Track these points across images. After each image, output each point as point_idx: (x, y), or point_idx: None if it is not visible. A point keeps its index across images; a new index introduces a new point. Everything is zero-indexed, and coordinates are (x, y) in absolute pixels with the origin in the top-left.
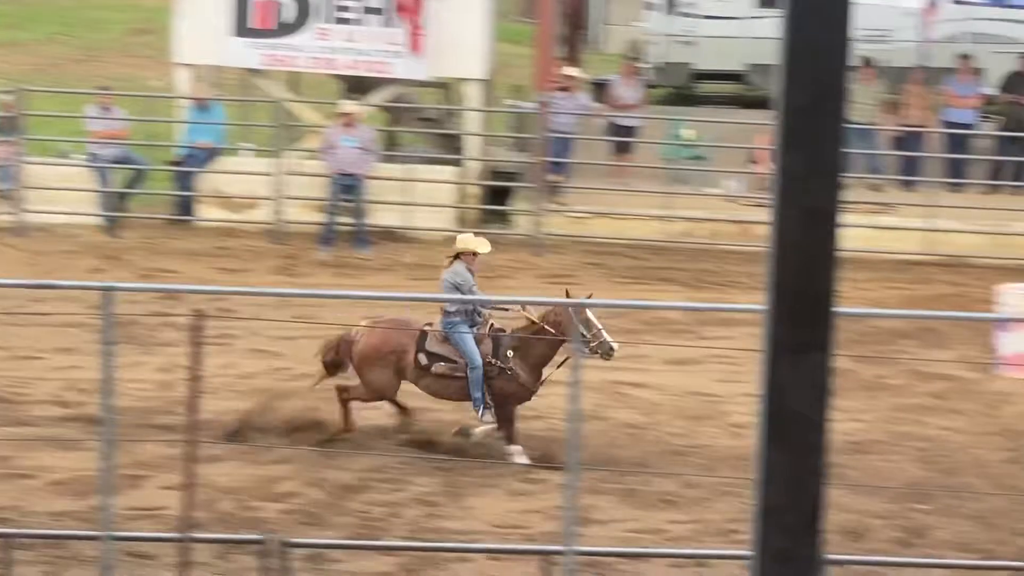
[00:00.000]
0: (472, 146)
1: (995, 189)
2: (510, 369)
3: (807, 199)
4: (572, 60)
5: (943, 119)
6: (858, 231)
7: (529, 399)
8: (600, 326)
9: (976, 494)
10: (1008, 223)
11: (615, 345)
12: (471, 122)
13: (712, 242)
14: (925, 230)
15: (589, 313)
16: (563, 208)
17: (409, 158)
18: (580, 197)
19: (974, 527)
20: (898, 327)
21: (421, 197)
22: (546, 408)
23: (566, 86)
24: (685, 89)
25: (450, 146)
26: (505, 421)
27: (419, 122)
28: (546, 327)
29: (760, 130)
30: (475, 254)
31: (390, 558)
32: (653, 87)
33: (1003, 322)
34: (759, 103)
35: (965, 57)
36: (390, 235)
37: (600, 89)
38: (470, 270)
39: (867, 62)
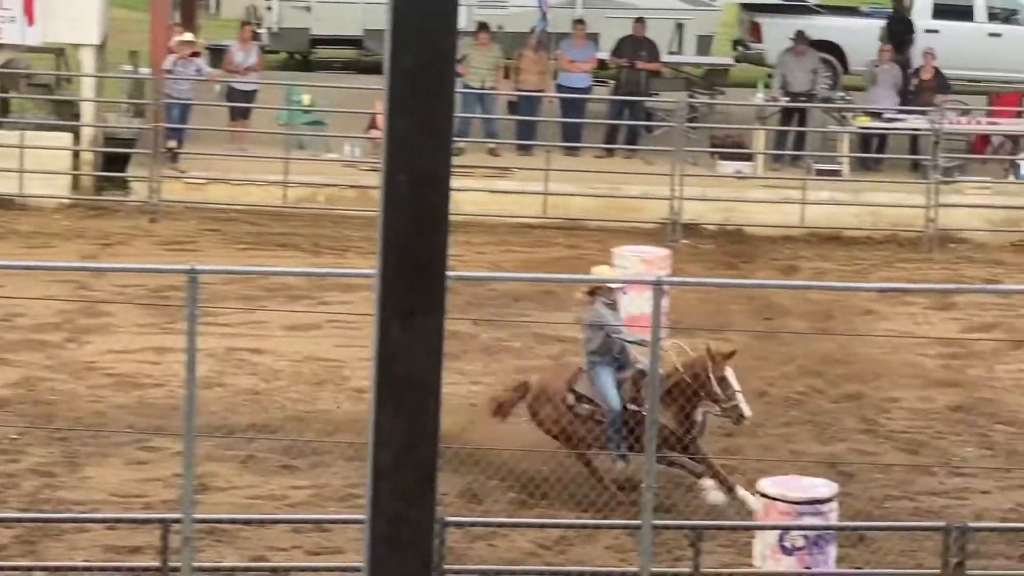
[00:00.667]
0: (87, 112)
1: (610, 153)
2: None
3: (417, 163)
4: (188, 26)
5: (558, 83)
6: (475, 195)
7: (684, 444)
8: (738, 389)
9: (594, 455)
10: (622, 186)
11: (747, 413)
12: (86, 88)
13: (331, 207)
14: (542, 193)
15: (728, 373)
16: (181, 174)
17: (22, 124)
18: (198, 163)
19: (593, 487)
20: (517, 290)
21: (35, 164)
22: (163, 375)
23: (182, 52)
24: (302, 54)
25: (65, 112)
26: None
27: (32, 88)
28: (685, 377)
29: (378, 95)
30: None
31: (7, 530)
32: (270, 52)
33: (620, 284)
34: (377, 68)
35: (579, 22)
36: (4, 203)
37: (217, 55)
38: (609, 304)
39: (482, 27)
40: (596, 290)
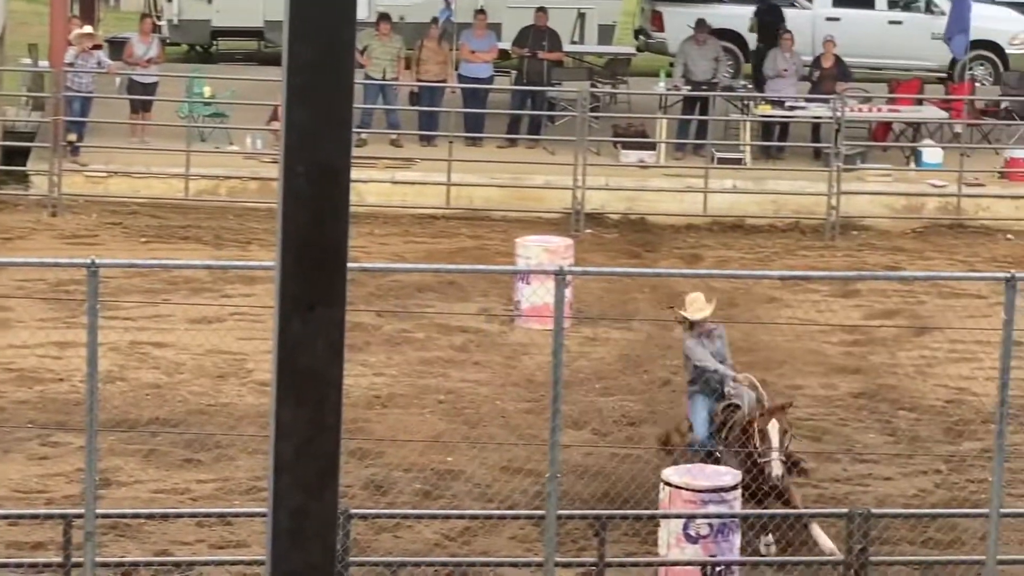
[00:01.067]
0: None
1: (512, 143)
2: (718, 451)
3: (316, 155)
4: (88, 18)
5: (460, 74)
6: (378, 186)
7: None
8: (775, 447)
9: (498, 444)
10: (526, 176)
11: (775, 472)
12: None
13: (233, 199)
14: (445, 184)
15: (771, 427)
16: (82, 168)
17: None
18: (99, 156)
19: (496, 477)
20: (420, 281)
21: None
22: (64, 370)
23: (83, 45)
24: (203, 46)
25: None
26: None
27: None
28: (751, 421)
29: (279, 87)
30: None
31: None
32: (171, 44)
33: (522, 274)
34: (278, 60)
35: (481, 12)
36: None
37: (117, 47)
38: (705, 334)
39: (383, 17)
40: (694, 324)
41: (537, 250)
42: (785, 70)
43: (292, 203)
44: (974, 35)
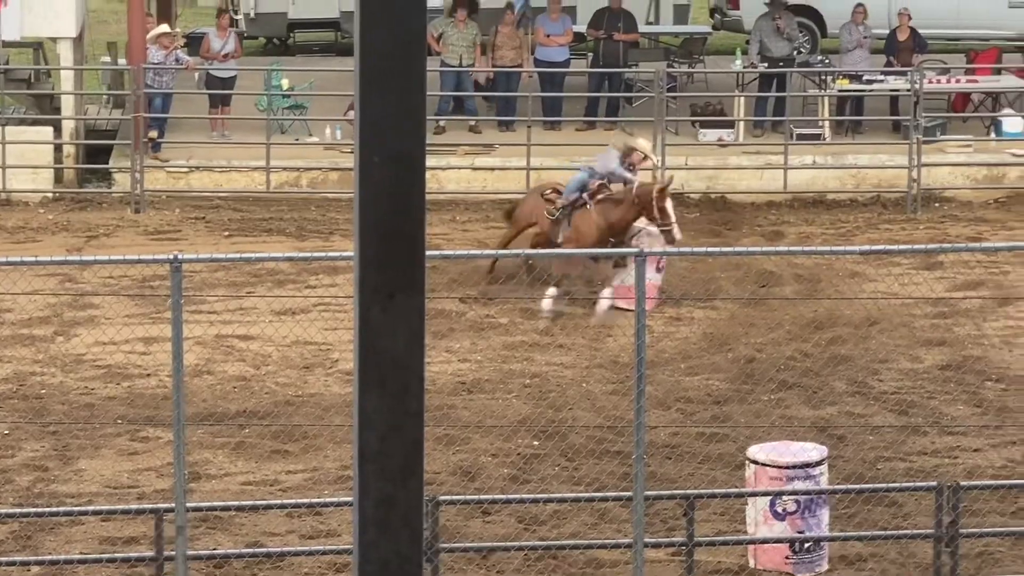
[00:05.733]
0: (67, 105)
1: (591, 125)
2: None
3: (391, 144)
4: (165, 15)
5: (536, 58)
6: (458, 173)
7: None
8: (674, 218)
9: (584, 428)
10: None
11: (679, 238)
12: (65, 81)
13: (314, 191)
14: (524, 168)
15: (669, 205)
16: (163, 164)
17: (2, 120)
18: (180, 152)
19: (584, 460)
20: (503, 266)
21: (17, 159)
22: (152, 365)
23: (168, 44)
24: (281, 39)
25: (45, 106)
26: None
27: (11, 83)
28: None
29: None
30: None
31: (2, 526)
32: (248, 38)
33: (605, 256)
34: None
35: None
36: None
37: (195, 42)
38: (628, 168)
39: (460, 3)
40: (632, 151)
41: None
42: (862, 41)
43: (369, 193)
44: None
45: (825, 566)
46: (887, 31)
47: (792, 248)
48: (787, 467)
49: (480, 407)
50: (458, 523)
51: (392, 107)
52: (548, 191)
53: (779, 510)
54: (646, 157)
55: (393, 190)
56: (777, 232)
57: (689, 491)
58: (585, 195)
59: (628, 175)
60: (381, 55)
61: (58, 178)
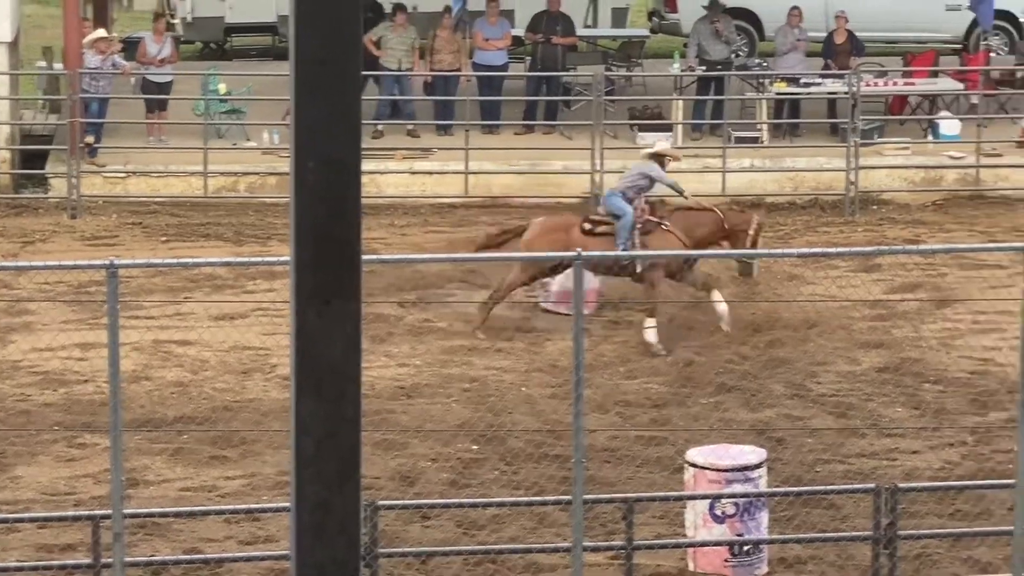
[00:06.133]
0: (2, 110)
1: (529, 129)
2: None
3: (326, 149)
4: (101, 19)
5: (474, 62)
6: (396, 177)
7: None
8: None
9: (524, 432)
10: (543, 162)
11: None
12: (0, 86)
13: (252, 195)
14: (463, 173)
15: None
16: (100, 169)
17: None
18: (117, 157)
19: (523, 464)
20: (443, 270)
21: None
22: (89, 371)
23: (105, 49)
24: (218, 43)
25: None
26: None
27: None
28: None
29: None
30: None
31: None
32: (185, 43)
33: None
34: None
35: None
36: None
37: (132, 47)
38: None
39: (398, 8)
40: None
41: None
42: (797, 43)
43: (304, 198)
44: None
45: (764, 569)
46: (824, 34)
47: (730, 251)
48: (726, 470)
49: (419, 412)
50: (397, 528)
51: (327, 112)
52: (580, 225)
53: (718, 513)
54: (676, 159)
55: (328, 195)
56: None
57: (628, 495)
58: (643, 215)
59: (678, 184)
60: (316, 60)
61: None
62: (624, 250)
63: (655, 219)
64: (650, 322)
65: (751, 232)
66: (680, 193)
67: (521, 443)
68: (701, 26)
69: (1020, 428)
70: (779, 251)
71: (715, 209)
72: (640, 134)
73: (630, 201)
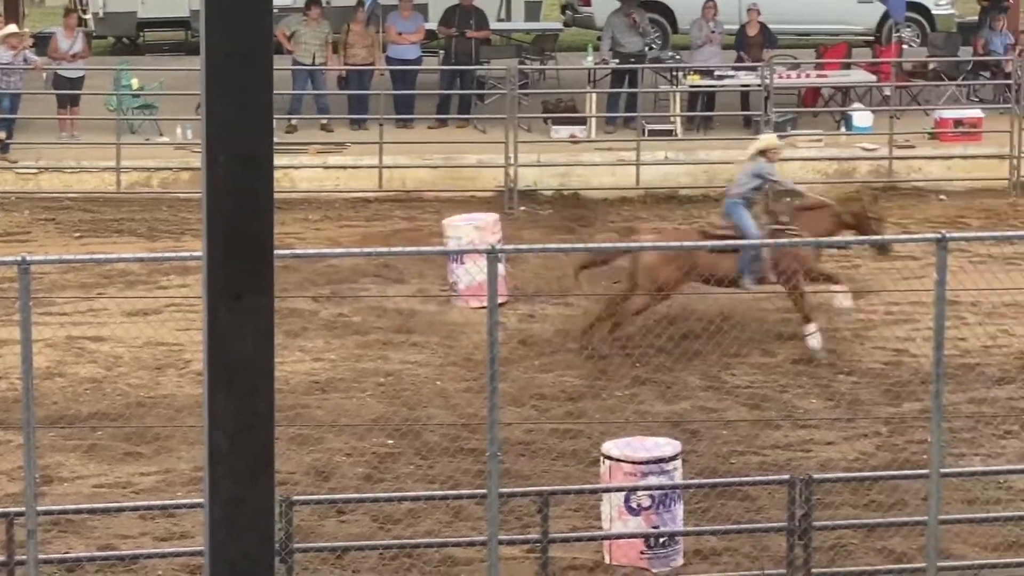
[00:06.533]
0: None
1: (443, 123)
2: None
3: (237, 144)
4: (13, 15)
5: (388, 56)
6: (310, 171)
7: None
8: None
9: (439, 426)
10: (457, 156)
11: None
12: None
13: (165, 191)
14: (377, 167)
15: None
16: (11, 165)
17: None
18: (28, 153)
19: (438, 458)
20: (357, 265)
21: None
22: (2, 368)
23: (17, 44)
24: (130, 38)
25: None
26: None
27: None
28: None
29: None
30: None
31: None
32: (97, 38)
33: (455, 254)
34: None
35: None
36: None
37: (43, 42)
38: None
39: (313, 2)
40: (770, 151)
41: (467, 229)
42: (712, 36)
43: (215, 193)
44: None
45: (680, 560)
46: (737, 26)
47: (644, 244)
48: (641, 462)
49: (334, 406)
50: (312, 523)
51: (238, 107)
52: (702, 237)
53: (634, 505)
54: (780, 151)
55: (240, 190)
56: (630, 228)
57: (543, 488)
58: (766, 221)
59: (789, 182)
60: (227, 55)
61: None
62: (750, 267)
63: (780, 226)
64: (810, 328)
65: (871, 215)
66: (795, 192)
67: (436, 437)
68: (615, 18)
69: (934, 419)
70: (690, 244)
71: (829, 202)
72: (554, 127)
73: (751, 206)
